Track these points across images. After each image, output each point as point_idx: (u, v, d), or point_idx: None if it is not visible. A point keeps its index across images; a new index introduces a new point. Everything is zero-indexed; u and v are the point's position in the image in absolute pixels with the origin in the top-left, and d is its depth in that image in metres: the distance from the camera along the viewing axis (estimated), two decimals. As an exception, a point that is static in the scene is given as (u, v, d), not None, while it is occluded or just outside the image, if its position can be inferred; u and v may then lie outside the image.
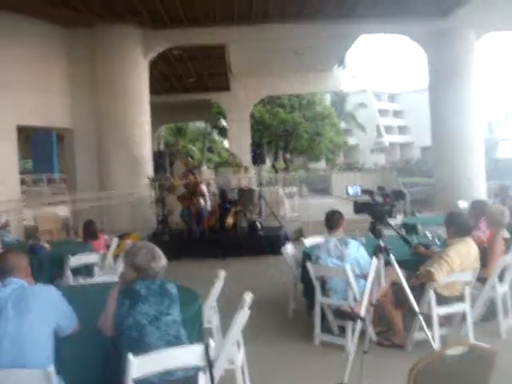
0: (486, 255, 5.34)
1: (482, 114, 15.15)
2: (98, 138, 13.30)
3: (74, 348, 3.19)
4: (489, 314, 5.48)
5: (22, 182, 25.28)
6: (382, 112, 76.01)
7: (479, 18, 13.46)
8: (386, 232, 4.22)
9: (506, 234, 5.72)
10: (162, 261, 3.31)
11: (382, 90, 79.78)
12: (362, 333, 4.18)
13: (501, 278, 5.39)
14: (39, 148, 27.76)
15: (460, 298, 4.99)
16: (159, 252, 3.33)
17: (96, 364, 3.15)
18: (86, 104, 13.21)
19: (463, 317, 5.04)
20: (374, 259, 4.08)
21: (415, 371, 2.18)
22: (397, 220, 7.12)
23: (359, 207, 4.28)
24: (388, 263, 4.20)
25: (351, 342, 4.43)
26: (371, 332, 4.91)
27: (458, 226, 5.04)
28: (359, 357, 3.99)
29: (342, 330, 5.24)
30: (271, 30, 14.06)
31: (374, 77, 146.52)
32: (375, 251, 4.10)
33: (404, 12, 13.37)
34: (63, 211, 12.73)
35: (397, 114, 79.83)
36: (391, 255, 4.11)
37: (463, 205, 9.81)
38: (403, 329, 5.15)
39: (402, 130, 78.70)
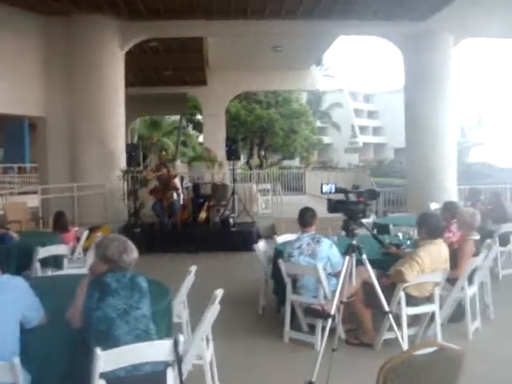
0: (456, 257, 5.40)
1: (456, 117, 15.29)
2: (71, 127, 13.06)
3: (41, 340, 3.13)
4: (456, 315, 5.54)
5: (-8, 171, 24.92)
6: (358, 112, 76.57)
7: (457, 23, 13.58)
8: (359, 231, 4.23)
9: (476, 237, 5.78)
10: (134, 253, 3.27)
11: (358, 90, 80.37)
12: (332, 331, 4.19)
13: (470, 279, 5.46)
14: (11, 137, 27.34)
15: (429, 299, 5.03)
16: (131, 245, 3.29)
17: (63, 356, 3.09)
18: (61, 93, 12.96)
19: (431, 317, 5.09)
20: (347, 258, 4.09)
21: (385, 370, 2.18)
22: (369, 219, 7.16)
23: (333, 206, 4.27)
24: (360, 262, 4.21)
25: (320, 340, 4.44)
26: (341, 330, 4.93)
27: (429, 227, 5.08)
28: (328, 355, 4.00)
29: (312, 327, 5.26)
30: (250, 25, 14.01)
31: (350, 76, 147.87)
32: (348, 250, 4.10)
33: (382, 14, 13.44)
34: (33, 201, 12.54)
35: (372, 114, 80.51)
36: (363, 255, 4.12)
37: (434, 206, 9.90)
38: (372, 328, 5.18)
39: (376, 130, 79.42)
